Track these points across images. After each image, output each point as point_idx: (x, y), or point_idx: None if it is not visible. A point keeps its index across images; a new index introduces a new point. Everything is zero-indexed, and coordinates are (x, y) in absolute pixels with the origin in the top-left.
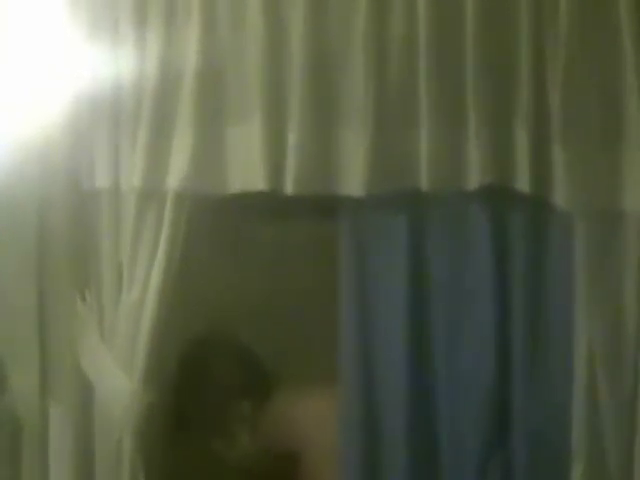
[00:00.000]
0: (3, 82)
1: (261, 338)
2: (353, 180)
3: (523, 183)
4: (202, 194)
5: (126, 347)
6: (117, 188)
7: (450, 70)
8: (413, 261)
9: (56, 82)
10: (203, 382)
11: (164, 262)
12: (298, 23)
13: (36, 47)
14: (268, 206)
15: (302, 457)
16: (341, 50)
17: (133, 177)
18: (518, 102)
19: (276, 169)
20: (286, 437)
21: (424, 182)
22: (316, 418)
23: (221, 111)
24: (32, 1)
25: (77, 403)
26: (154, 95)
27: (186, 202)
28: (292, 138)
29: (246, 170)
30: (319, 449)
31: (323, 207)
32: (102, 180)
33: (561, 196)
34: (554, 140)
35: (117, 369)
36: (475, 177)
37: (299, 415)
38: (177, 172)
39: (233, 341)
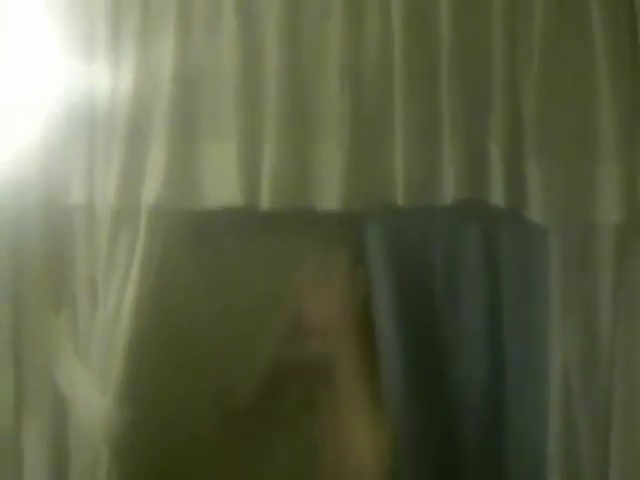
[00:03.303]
0: None
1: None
2: (329, 194)
3: (498, 197)
4: (177, 210)
5: (101, 364)
6: (92, 204)
7: (425, 85)
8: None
9: (30, 98)
10: None
11: (139, 279)
12: (273, 39)
13: (9, 63)
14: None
15: None
16: (316, 65)
17: (108, 193)
18: (492, 117)
19: (252, 184)
20: None
21: (400, 197)
22: None
23: (196, 126)
24: (5, 16)
25: (52, 420)
26: (129, 111)
27: (161, 218)
28: (268, 153)
29: (221, 185)
30: None
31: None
32: (77, 196)
33: (535, 210)
34: (528, 155)
35: (92, 386)
36: (450, 192)
37: None
38: (152, 188)
39: None
